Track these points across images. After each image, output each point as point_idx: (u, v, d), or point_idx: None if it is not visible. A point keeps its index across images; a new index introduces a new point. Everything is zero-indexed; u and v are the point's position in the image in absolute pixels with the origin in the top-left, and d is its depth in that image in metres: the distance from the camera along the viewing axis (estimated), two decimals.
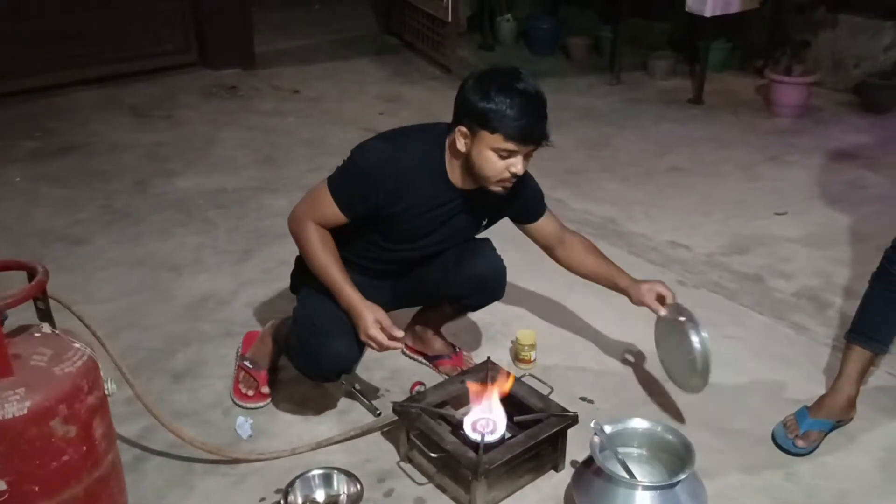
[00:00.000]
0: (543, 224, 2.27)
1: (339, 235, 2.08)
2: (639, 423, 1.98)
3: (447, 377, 2.35)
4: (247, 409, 2.30)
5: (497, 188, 2.00)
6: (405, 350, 2.54)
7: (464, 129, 1.94)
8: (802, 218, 3.55)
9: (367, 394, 2.35)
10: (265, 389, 2.33)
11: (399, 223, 2.06)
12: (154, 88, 5.25)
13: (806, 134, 4.57)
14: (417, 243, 2.13)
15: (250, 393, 2.32)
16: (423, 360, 2.51)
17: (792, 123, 4.76)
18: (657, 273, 3.09)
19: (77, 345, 1.63)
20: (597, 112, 4.99)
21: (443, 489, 2.01)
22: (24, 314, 1.67)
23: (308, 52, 6.13)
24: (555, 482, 2.06)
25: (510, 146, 1.90)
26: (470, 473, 1.88)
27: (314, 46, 6.28)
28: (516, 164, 1.94)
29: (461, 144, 1.96)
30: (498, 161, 1.93)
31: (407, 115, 4.73)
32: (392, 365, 2.51)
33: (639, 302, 2.23)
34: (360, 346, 2.09)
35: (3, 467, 1.49)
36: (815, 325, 2.75)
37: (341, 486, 1.97)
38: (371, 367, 2.50)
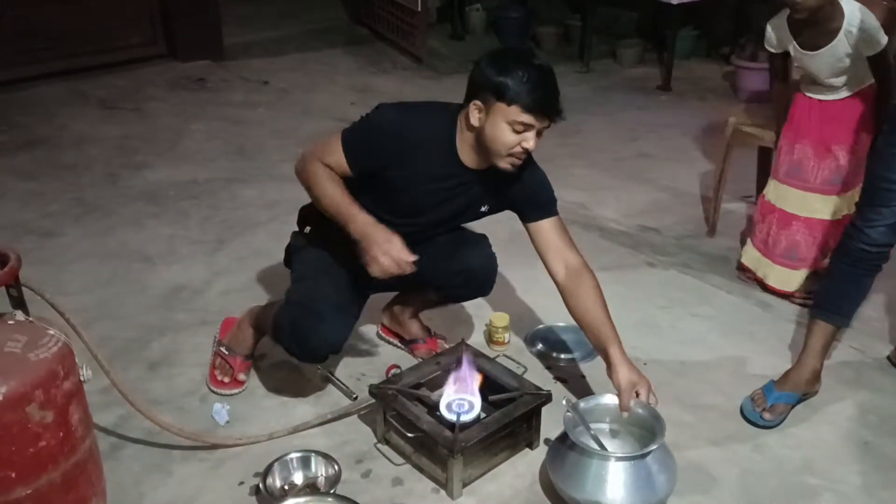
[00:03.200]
0: (548, 229, 2.14)
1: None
2: (610, 399, 2.02)
3: (422, 360, 2.37)
4: (222, 395, 2.31)
5: (506, 164, 1.99)
6: (381, 332, 2.56)
7: (479, 102, 1.95)
8: None
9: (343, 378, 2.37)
10: (241, 376, 2.34)
11: (403, 191, 2.07)
12: (122, 81, 5.20)
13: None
14: (417, 219, 2.13)
15: (226, 380, 2.32)
16: (399, 344, 2.54)
17: (757, 108, 4.83)
18: (628, 255, 3.15)
19: (51, 331, 1.62)
20: (567, 100, 4.88)
21: (420, 469, 2.04)
22: None
23: (277, 44, 6.10)
24: (530, 459, 2.09)
25: (526, 118, 1.91)
26: (446, 452, 1.91)
27: (283, 38, 6.25)
28: (529, 139, 1.95)
29: (475, 119, 1.96)
30: (511, 134, 1.94)
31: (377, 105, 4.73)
32: (368, 349, 2.54)
33: (613, 382, 2.04)
34: (349, 327, 2.11)
35: None
36: (780, 303, 2.82)
37: (319, 469, 1.99)
38: (347, 351, 2.51)
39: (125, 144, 4.22)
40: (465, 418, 1.99)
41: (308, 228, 2.28)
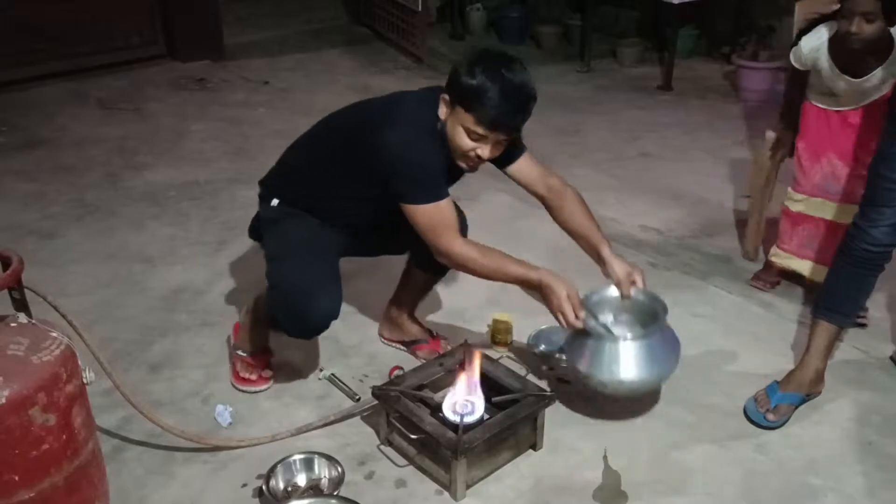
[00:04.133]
0: (524, 166, 2.22)
1: (333, 189, 2.10)
2: (613, 291, 2.20)
3: (425, 361, 2.37)
4: (250, 392, 2.31)
5: (461, 163, 2.03)
6: (384, 339, 2.56)
7: (447, 97, 1.98)
8: None
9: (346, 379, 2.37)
10: (266, 372, 2.34)
11: None
12: (121, 82, 5.19)
13: (772, 118, 4.63)
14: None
15: (253, 377, 2.32)
16: (401, 347, 2.53)
17: (758, 108, 4.84)
18: (629, 255, 3.13)
19: (54, 334, 1.62)
20: (567, 99, 5.03)
21: (423, 470, 2.04)
22: None
23: (277, 44, 6.09)
24: (533, 461, 2.09)
25: (480, 130, 1.93)
26: (450, 454, 1.91)
27: (284, 38, 6.25)
28: (483, 149, 1.98)
29: (441, 112, 2.00)
30: (467, 140, 1.96)
31: None
32: (370, 351, 2.53)
33: (611, 276, 2.21)
34: (340, 291, 2.12)
35: None
36: (783, 303, 2.82)
37: (322, 471, 1.99)
38: (349, 353, 2.52)
39: (125, 145, 4.21)
40: (469, 420, 1.99)
41: (276, 201, 2.23)
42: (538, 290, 2.05)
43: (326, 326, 2.14)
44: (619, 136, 4.44)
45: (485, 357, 2.21)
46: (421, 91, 2.13)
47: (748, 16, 5.44)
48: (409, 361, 2.45)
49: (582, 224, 2.22)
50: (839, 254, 2.24)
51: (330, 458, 2.00)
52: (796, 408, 2.25)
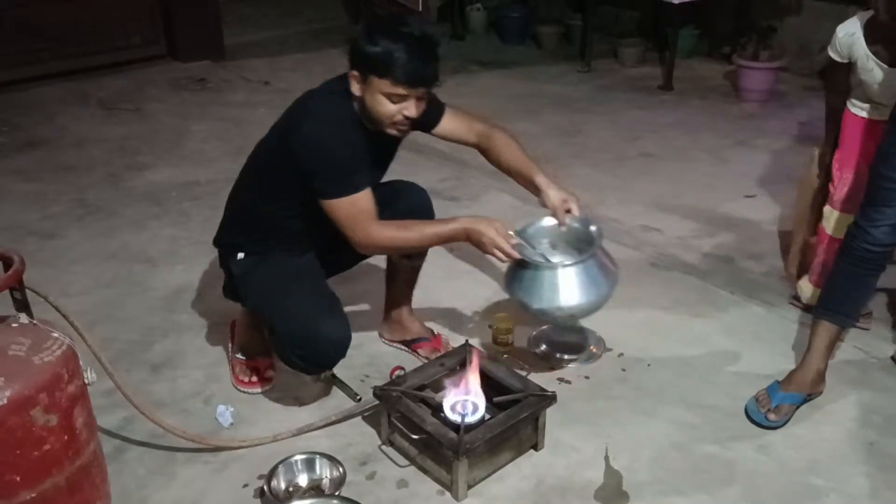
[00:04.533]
0: (451, 124, 2.26)
1: (284, 213, 2.09)
2: (549, 221, 2.23)
3: (427, 359, 2.37)
4: (251, 394, 2.30)
5: (392, 130, 2.04)
6: (384, 340, 2.56)
7: (356, 73, 1.98)
8: (771, 200, 3.62)
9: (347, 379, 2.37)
10: (269, 373, 2.34)
11: None
12: (122, 82, 5.19)
13: (773, 118, 4.66)
14: None
15: (254, 379, 2.32)
16: (403, 347, 2.53)
17: (759, 108, 4.84)
18: (632, 255, 3.14)
19: (55, 334, 1.62)
20: (568, 99, 5.03)
21: (425, 470, 2.04)
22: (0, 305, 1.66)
23: (278, 44, 6.09)
24: (535, 461, 2.09)
25: (399, 90, 1.93)
26: (451, 454, 1.91)
27: (284, 38, 6.25)
28: (409, 108, 1.98)
29: (355, 89, 2.00)
30: (390, 104, 1.96)
31: None
32: (371, 351, 2.53)
33: (546, 205, 2.22)
34: (346, 318, 2.12)
35: None
36: (783, 303, 2.82)
37: (324, 471, 1.99)
38: (350, 353, 2.50)
39: (126, 145, 4.21)
40: (470, 420, 1.99)
41: (241, 255, 2.22)
42: (467, 239, 2.04)
43: (341, 356, 2.12)
44: (620, 136, 4.44)
45: (486, 357, 2.21)
46: (326, 83, 2.13)
47: (749, 16, 5.44)
48: (410, 362, 2.45)
49: (513, 158, 2.24)
50: (840, 254, 2.24)
51: (331, 459, 2.00)
52: (797, 408, 2.25)
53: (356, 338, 2.56)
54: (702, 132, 4.46)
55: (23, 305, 1.65)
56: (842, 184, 2.54)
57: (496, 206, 3.54)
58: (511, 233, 2.05)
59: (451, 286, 2.80)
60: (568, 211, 2.19)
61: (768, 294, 2.87)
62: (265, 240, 2.18)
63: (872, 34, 2.32)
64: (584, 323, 2.65)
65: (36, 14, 4.99)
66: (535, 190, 2.21)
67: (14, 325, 1.61)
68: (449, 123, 2.26)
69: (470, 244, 2.06)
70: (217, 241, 2.31)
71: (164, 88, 5.11)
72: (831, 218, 2.59)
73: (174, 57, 5.55)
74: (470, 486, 1.98)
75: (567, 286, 2.09)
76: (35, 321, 1.64)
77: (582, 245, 2.23)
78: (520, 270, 2.14)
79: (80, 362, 1.66)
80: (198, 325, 2.66)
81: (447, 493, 1.98)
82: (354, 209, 2.00)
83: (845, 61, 2.41)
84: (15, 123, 4.46)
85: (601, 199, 3.64)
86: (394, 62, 1.90)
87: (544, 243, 2.28)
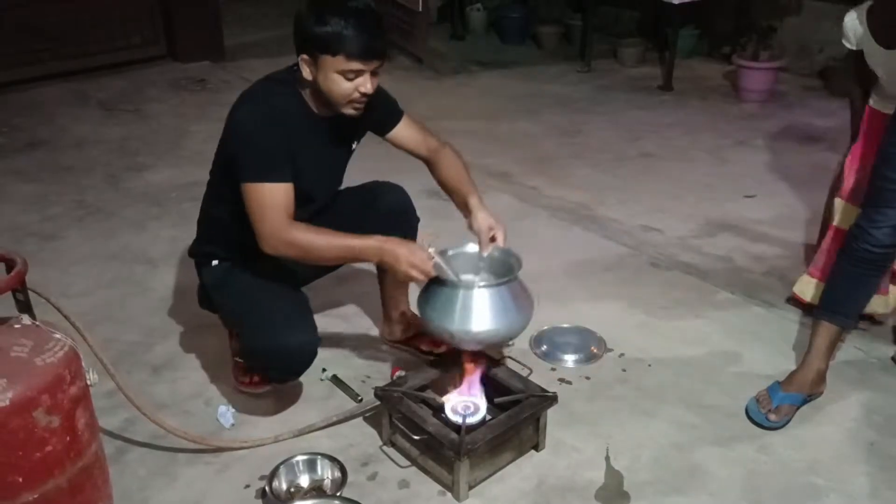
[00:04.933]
0: (405, 132, 2.24)
1: (241, 220, 2.02)
2: (472, 248, 2.15)
3: (430, 353, 2.39)
4: (253, 394, 2.30)
5: (349, 110, 2.00)
6: (386, 341, 2.56)
7: (306, 56, 1.95)
8: (770, 200, 3.63)
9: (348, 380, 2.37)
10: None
11: (300, 175, 2.03)
12: (122, 82, 5.20)
13: (773, 118, 4.66)
14: (313, 194, 2.13)
15: (255, 380, 2.31)
16: (404, 346, 2.53)
17: (759, 108, 4.85)
18: (632, 255, 3.15)
19: (58, 335, 1.62)
20: (568, 100, 5.04)
21: (426, 471, 2.04)
22: (2, 306, 1.66)
23: (277, 44, 6.06)
24: (536, 461, 2.09)
25: (354, 66, 1.91)
26: (453, 454, 1.91)
27: (284, 38, 6.14)
28: (364, 83, 1.95)
29: (307, 73, 1.96)
30: (345, 83, 1.93)
31: None
32: (372, 352, 2.53)
33: (473, 229, 2.17)
34: (315, 326, 2.11)
35: None
36: (783, 303, 2.82)
37: (325, 471, 2.00)
38: (352, 354, 2.52)
39: (126, 146, 4.22)
40: (471, 420, 1.99)
41: (215, 262, 2.23)
42: (380, 258, 1.97)
43: (309, 362, 2.11)
44: (620, 136, 4.44)
45: (487, 358, 2.21)
46: (270, 74, 2.10)
47: (749, 16, 5.44)
48: (410, 363, 2.45)
49: (453, 177, 2.23)
50: (841, 255, 2.24)
51: (332, 459, 2.00)
52: (798, 408, 2.25)
53: (357, 339, 2.58)
54: (702, 132, 4.47)
55: (25, 307, 1.65)
56: (850, 174, 2.54)
57: (496, 205, 3.50)
58: (430, 250, 1.98)
59: None
60: (492, 239, 2.14)
61: (768, 294, 2.87)
62: (234, 246, 2.17)
63: (872, 19, 2.36)
64: (585, 323, 2.67)
65: (36, 14, 4.99)
66: (467, 211, 2.18)
67: (16, 326, 1.62)
68: (405, 130, 2.24)
69: (383, 265, 2.00)
70: (191, 252, 2.31)
71: (164, 89, 5.11)
72: (838, 207, 2.59)
73: (174, 57, 5.56)
74: (471, 487, 1.98)
75: (481, 309, 1.98)
76: (37, 322, 1.64)
77: (501, 274, 2.11)
78: (435, 288, 2.03)
79: (83, 363, 1.66)
80: (198, 326, 2.66)
81: (448, 494, 1.98)
82: (266, 198, 1.94)
83: (855, 48, 2.43)
84: (15, 124, 4.46)
85: (601, 199, 3.65)
86: (345, 38, 1.87)
87: (463, 268, 2.13)
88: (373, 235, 1.98)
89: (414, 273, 1.96)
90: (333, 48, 1.89)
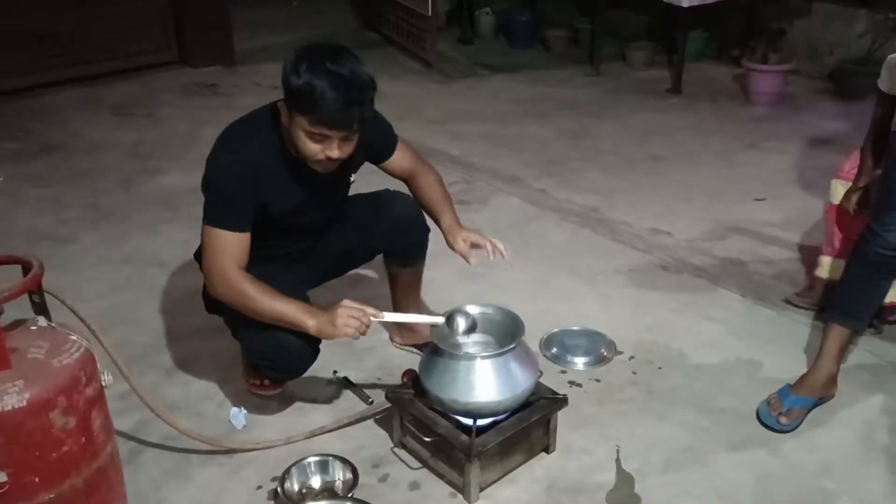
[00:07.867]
0: (399, 158, 2.23)
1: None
2: (472, 309, 2.09)
3: None
4: (263, 396, 2.31)
5: (317, 167, 1.93)
6: (396, 344, 2.57)
7: (283, 103, 1.90)
8: (781, 203, 3.62)
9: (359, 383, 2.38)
10: None
11: (284, 219, 2.04)
12: (134, 87, 5.24)
13: (782, 121, 4.65)
14: (312, 224, 2.14)
15: (266, 382, 2.32)
16: (414, 350, 2.54)
17: (769, 111, 4.84)
18: (642, 258, 3.15)
19: (73, 337, 1.64)
20: (577, 103, 5.04)
21: (437, 473, 2.05)
22: (18, 308, 1.68)
23: (288, 49, 6.11)
24: (546, 463, 2.10)
25: (318, 130, 1.82)
26: (463, 456, 1.92)
27: (294, 43, 6.19)
28: (331, 150, 1.85)
29: (284, 118, 1.91)
30: (311, 144, 1.85)
31: (387, 109, 4.68)
32: (383, 354, 2.55)
33: (455, 247, 2.18)
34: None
35: (3, 459, 1.50)
36: (794, 307, 2.81)
37: (337, 473, 2.01)
38: (362, 357, 2.53)
39: (139, 150, 4.25)
40: (482, 422, 2.00)
41: None
42: (318, 332, 1.91)
43: (308, 363, 2.11)
44: (629, 139, 4.44)
45: None
46: (258, 109, 2.05)
47: (758, 19, 5.43)
48: None
49: (431, 199, 2.25)
50: (853, 258, 2.24)
51: (344, 461, 2.02)
52: (809, 411, 2.25)
53: (368, 341, 2.59)
54: (711, 135, 4.46)
55: (41, 309, 1.67)
56: (855, 158, 2.53)
57: (505, 209, 3.56)
58: (372, 317, 1.91)
59: (463, 290, 2.80)
60: (475, 245, 2.14)
61: (779, 297, 2.87)
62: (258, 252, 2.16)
63: None
64: (595, 326, 2.68)
65: (49, 21, 5.04)
66: (442, 229, 2.21)
67: (33, 327, 1.64)
68: (400, 159, 2.23)
69: (322, 336, 1.94)
70: (197, 255, 2.31)
71: (176, 94, 5.15)
72: (837, 187, 2.58)
73: (185, 63, 5.60)
74: (482, 489, 1.99)
75: (483, 378, 1.92)
76: (53, 324, 1.66)
77: (503, 338, 2.03)
78: (435, 358, 1.99)
79: (98, 364, 1.68)
80: (211, 329, 2.67)
81: (459, 496, 1.99)
82: (217, 243, 1.92)
83: (889, 92, 2.30)
84: (29, 129, 4.51)
85: (610, 201, 3.65)
86: (314, 101, 1.77)
87: (466, 334, 2.08)
88: (313, 314, 1.90)
89: (348, 330, 1.88)
90: (301, 106, 1.81)
